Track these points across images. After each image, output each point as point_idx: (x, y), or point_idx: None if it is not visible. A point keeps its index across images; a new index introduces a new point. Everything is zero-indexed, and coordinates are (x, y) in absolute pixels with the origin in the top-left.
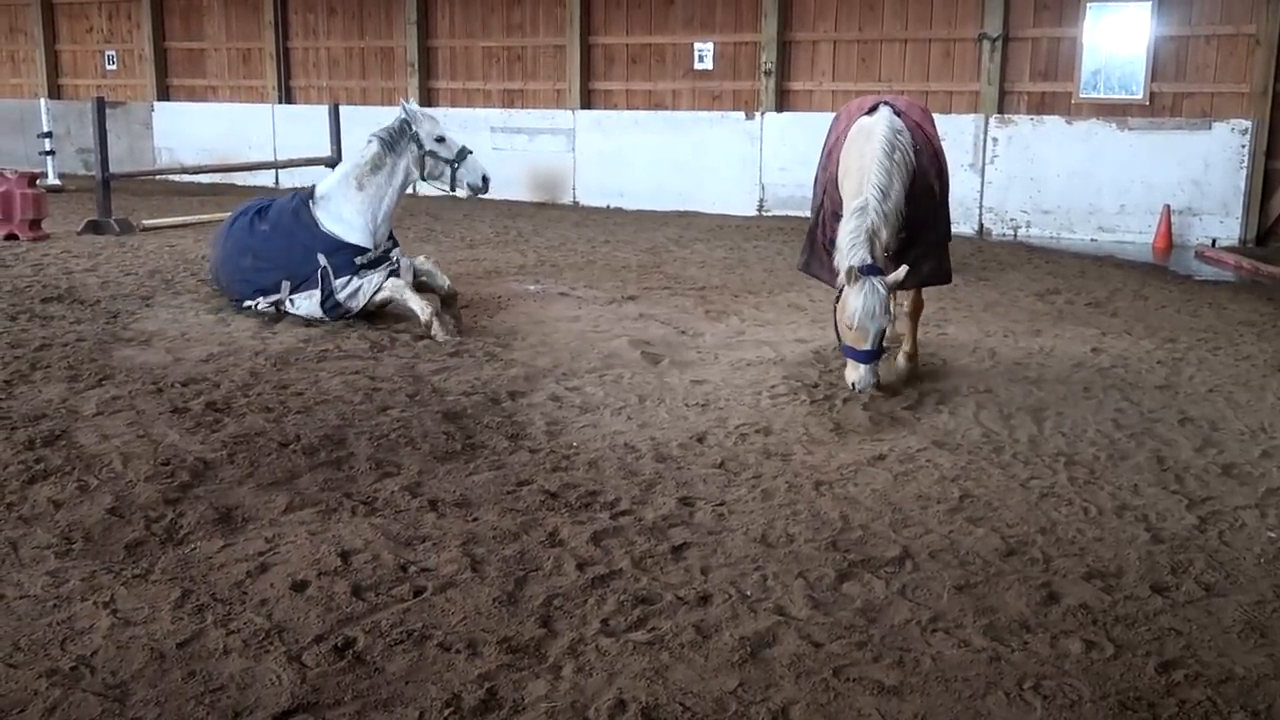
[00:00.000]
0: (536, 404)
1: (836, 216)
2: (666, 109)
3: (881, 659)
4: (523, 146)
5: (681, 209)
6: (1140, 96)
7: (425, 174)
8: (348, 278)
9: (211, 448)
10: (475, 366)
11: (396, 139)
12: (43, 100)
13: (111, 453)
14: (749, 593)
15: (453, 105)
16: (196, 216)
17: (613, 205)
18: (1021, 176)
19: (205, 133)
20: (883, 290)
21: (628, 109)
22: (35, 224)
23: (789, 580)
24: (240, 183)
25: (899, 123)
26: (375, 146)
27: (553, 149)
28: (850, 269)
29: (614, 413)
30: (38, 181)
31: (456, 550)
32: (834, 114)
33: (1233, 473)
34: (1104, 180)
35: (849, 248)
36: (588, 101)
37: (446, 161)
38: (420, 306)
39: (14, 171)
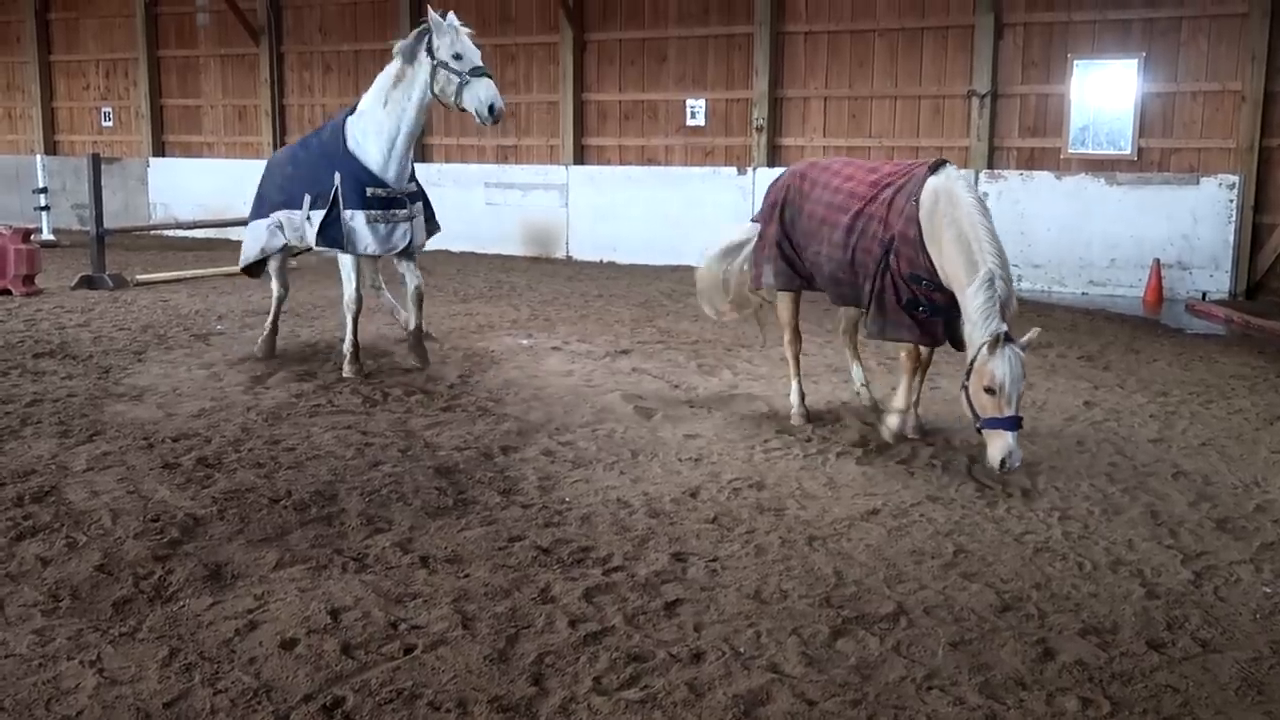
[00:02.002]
0: (529, 459)
1: (916, 279)
2: (659, 164)
3: (876, 717)
4: (516, 202)
5: (675, 263)
6: (1128, 152)
7: (436, 89)
8: (353, 212)
9: (202, 504)
10: (467, 421)
11: (414, 49)
12: (39, 156)
13: (101, 509)
14: (742, 650)
15: (447, 161)
16: (190, 271)
17: (606, 260)
18: (1012, 231)
19: (200, 188)
20: (1022, 355)
21: (621, 164)
22: (29, 279)
23: (782, 637)
24: (235, 237)
25: (970, 176)
26: (396, 60)
27: (546, 204)
28: (996, 336)
29: (607, 468)
30: (32, 237)
31: (447, 607)
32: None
33: (1227, 527)
34: (1094, 234)
35: (984, 319)
36: (581, 157)
37: (457, 74)
38: (349, 344)
39: (8, 227)
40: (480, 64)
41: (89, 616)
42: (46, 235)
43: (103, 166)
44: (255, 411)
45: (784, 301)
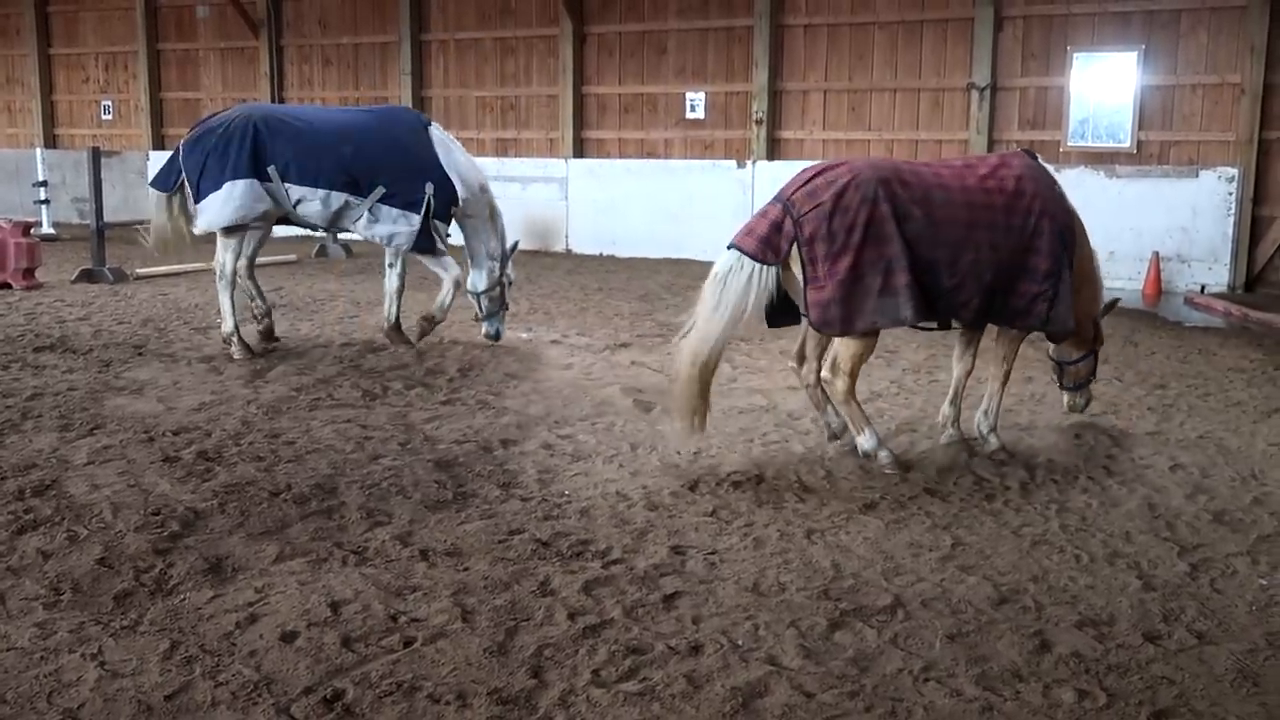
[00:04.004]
0: (528, 452)
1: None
2: (659, 157)
3: (874, 709)
4: (516, 195)
5: (674, 256)
6: (1128, 145)
7: (486, 271)
8: (438, 223)
9: (202, 497)
10: (467, 415)
11: (495, 280)
12: (38, 150)
13: (102, 502)
14: (740, 642)
15: None
16: (190, 265)
17: (605, 253)
18: None
19: None
20: None
21: (620, 157)
22: (29, 273)
23: (781, 629)
24: None
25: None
26: (497, 219)
27: (546, 197)
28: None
29: (606, 461)
30: (32, 230)
31: (447, 600)
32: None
33: (1224, 520)
34: (1093, 227)
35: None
36: (581, 150)
37: (498, 298)
38: (440, 308)
39: (8, 220)
40: (500, 313)
41: (90, 610)
42: (46, 229)
43: (102, 160)
44: (255, 405)
45: (865, 345)
